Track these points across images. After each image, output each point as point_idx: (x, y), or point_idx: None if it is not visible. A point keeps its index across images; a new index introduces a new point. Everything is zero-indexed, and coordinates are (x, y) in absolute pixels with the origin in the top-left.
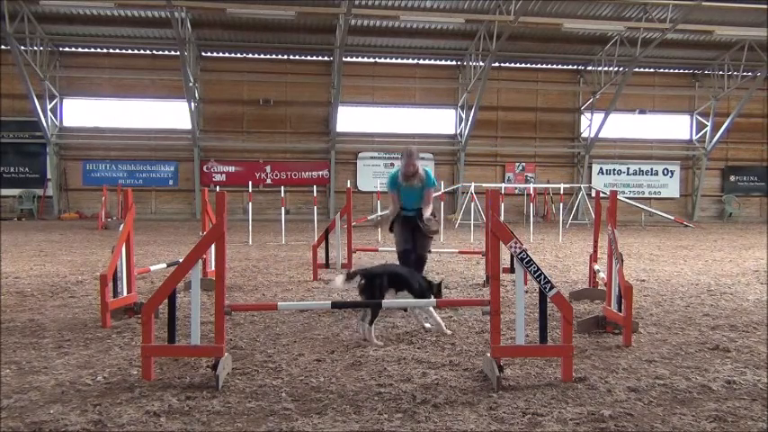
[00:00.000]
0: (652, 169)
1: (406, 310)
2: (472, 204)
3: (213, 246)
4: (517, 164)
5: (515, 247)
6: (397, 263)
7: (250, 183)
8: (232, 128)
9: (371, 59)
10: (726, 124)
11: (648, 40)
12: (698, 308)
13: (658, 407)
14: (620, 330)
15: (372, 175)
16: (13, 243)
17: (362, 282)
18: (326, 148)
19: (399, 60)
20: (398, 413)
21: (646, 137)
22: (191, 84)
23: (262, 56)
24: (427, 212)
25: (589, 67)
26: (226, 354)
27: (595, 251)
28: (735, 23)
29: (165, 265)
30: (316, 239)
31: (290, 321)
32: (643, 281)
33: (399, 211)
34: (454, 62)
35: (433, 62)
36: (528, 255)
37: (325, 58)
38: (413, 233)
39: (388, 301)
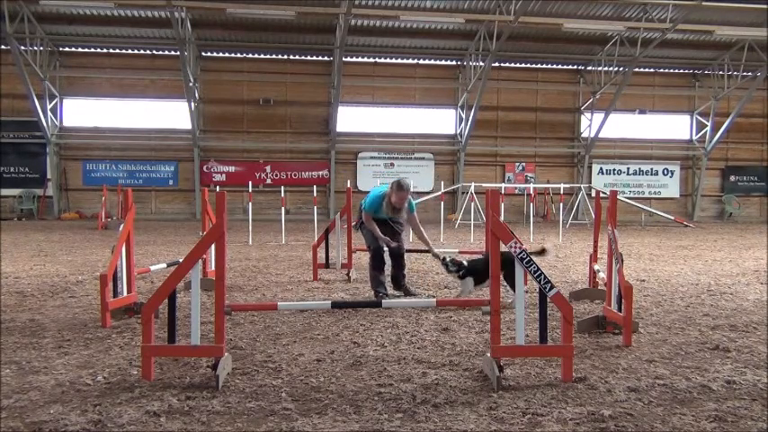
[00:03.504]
0: (652, 169)
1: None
2: (472, 204)
3: (213, 246)
4: (517, 164)
5: (515, 247)
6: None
7: (250, 183)
8: (232, 128)
9: (371, 59)
10: (726, 124)
11: (648, 40)
12: (698, 308)
13: (658, 407)
14: (620, 330)
15: (372, 175)
16: (13, 243)
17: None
18: (326, 148)
19: (399, 60)
20: (398, 413)
21: (646, 137)
22: (191, 84)
23: (262, 56)
24: (425, 237)
25: (589, 67)
26: (226, 354)
27: (595, 251)
28: (735, 23)
29: (165, 265)
30: (316, 239)
31: (290, 321)
32: (643, 281)
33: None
34: (454, 62)
35: (433, 62)
36: (528, 255)
37: (325, 58)
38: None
39: (389, 301)
